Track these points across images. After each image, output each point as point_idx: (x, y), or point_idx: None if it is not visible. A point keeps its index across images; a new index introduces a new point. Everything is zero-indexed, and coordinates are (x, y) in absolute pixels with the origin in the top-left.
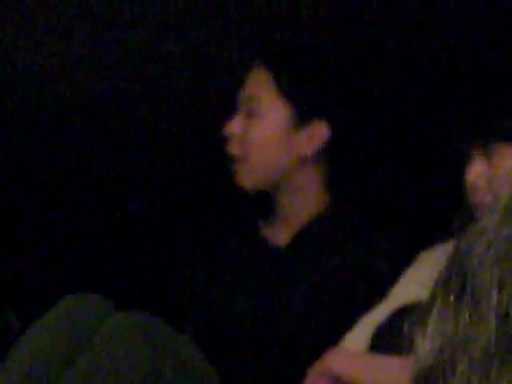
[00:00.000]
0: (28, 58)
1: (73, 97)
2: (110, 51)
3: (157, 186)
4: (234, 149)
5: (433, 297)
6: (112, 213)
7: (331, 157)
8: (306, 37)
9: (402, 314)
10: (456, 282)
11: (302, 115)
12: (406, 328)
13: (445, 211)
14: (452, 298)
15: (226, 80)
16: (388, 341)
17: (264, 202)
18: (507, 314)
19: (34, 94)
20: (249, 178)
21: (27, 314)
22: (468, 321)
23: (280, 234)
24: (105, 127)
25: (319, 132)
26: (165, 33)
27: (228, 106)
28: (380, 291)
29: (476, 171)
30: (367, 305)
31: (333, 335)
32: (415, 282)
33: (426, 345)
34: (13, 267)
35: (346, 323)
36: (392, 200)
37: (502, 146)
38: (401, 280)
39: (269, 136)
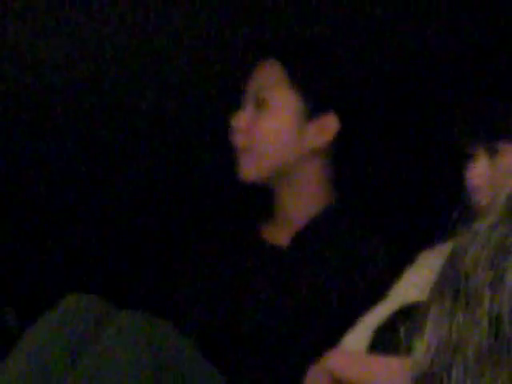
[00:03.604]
0: (30, 51)
1: (73, 95)
2: (113, 45)
3: (157, 188)
4: (240, 140)
5: (429, 300)
6: (112, 213)
7: (337, 152)
8: (318, 30)
9: (402, 314)
10: (451, 285)
11: (313, 108)
12: (402, 332)
13: (446, 211)
14: (447, 300)
15: (228, 75)
16: (388, 341)
17: (264, 202)
18: (499, 316)
19: (34, 90)
20: (254, 169)
21: (27, 314)
22: (462, 323)
23: (280, 234)
24: (104, 126)
25: (329, 125)
26: (167, 25)
27: (225, 102)
28: (380, 291)
29: (478, 170)
30: (367, 305)
31: (333, 335)
32: (415, 282)
33: (423, 348)
34: (13, 267)
35: (346, 323)
36: (393, 199)
37: (504, 146)
38: (401, 280)
39: (279, 127)
